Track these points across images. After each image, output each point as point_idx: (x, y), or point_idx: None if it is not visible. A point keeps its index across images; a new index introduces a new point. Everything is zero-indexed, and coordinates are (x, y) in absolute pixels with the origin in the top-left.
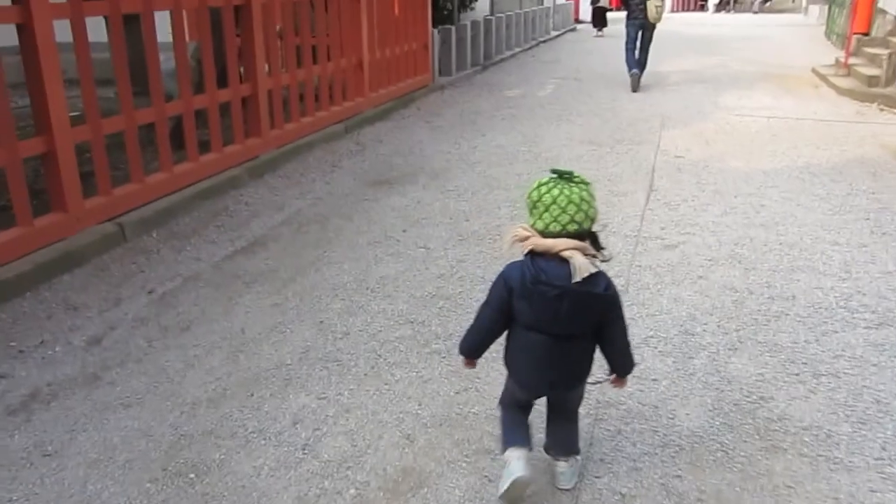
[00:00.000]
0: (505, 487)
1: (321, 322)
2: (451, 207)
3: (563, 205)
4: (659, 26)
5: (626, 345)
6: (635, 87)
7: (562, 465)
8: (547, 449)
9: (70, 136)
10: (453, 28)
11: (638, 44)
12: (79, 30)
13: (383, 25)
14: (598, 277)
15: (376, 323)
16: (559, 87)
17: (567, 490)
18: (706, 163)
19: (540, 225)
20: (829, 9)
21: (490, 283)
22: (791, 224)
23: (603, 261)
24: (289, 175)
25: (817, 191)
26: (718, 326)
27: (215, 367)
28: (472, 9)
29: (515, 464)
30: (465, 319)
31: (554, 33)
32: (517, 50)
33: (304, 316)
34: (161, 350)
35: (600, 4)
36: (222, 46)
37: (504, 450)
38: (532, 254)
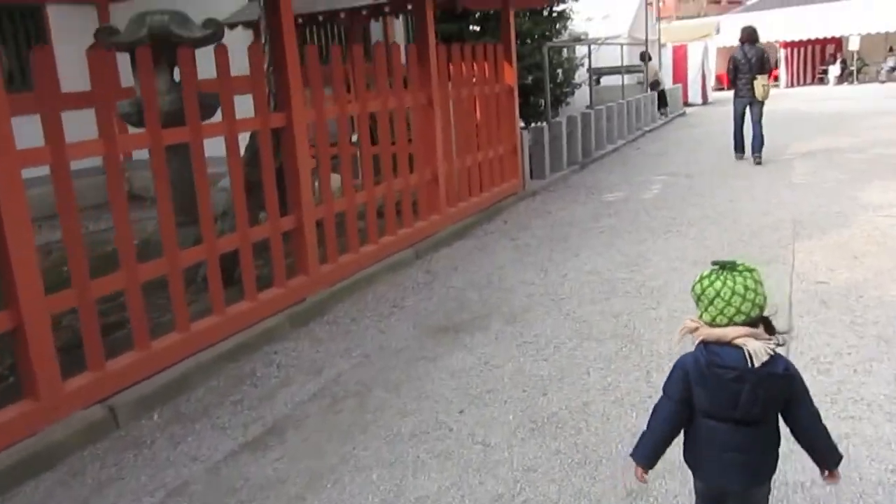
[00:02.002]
0: None
1: None
2: (527, 371)
3: (727, 297)
4: (776, 104)
5: (823, 429)
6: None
7: None
8: None
9: (43, 307)
10: (545, 126)
11: (748, 120)
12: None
13: (462, 131)
14: (776, 360)
15: None
16: (667, 186)
17: None
18: (859, 291)
19: (707, 318)
20: None
21: None
22: None
23: (778, 345)
24: (338, 321)
25: None
26: None
27: None
28: (568, 103)
29: None
30: None
31: (661, 120)
32: (620, 143)
33: None
34: None
35: (658, 83)
36: (257, 175)
37: None
38: (704, 342)
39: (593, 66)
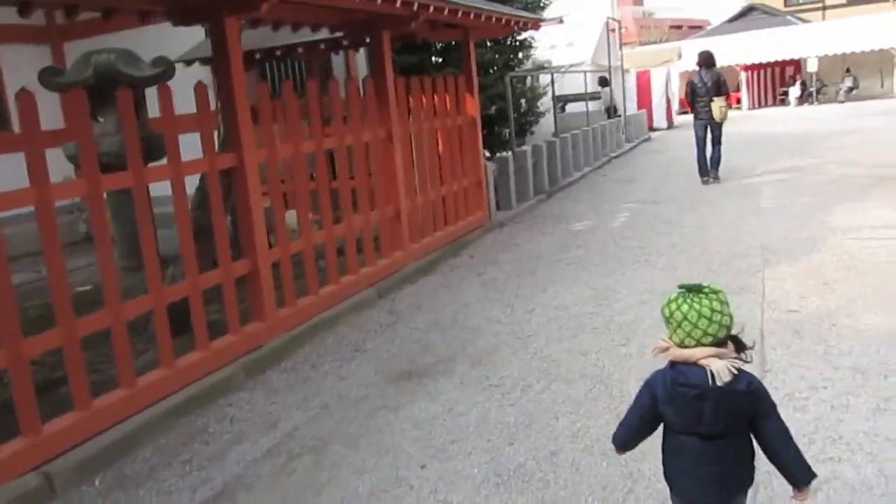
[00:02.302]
0: None
1: None
2: (492, 418)
3: (693, 320)
4: (740, 127)
5: (792, 446)
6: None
7: None
8: None
9: None
10: (510, 156)
11: (708, 143)
12: None
13: (424, 165)
14: (740, 377)
15: None
16: (634, 213)
17: None
18: (832, 319)
19: (676, 339)
20: None
21: None
22: None
23: (746, 362)
24: (297, 368)
25: None
26: None
27: None
28: (533, 132)
29: None
30: None
31: (627, 146)
32: (587, 170)
33: None
34: None
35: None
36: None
37: None
38: (672, 363)
39: (558, 93)
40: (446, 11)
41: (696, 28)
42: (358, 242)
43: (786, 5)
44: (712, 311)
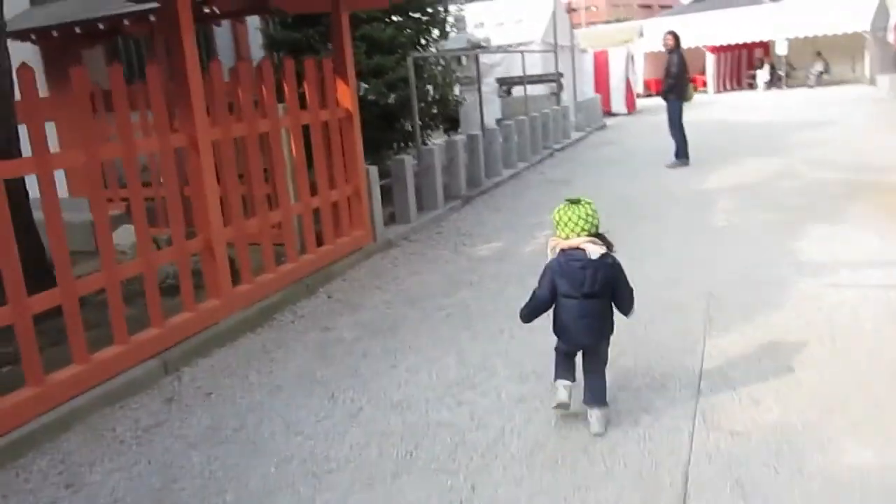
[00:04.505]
0: (554, 405)
1: None
2: None
3: (574, 220)
4: (703, 115)
5: (631, 300)
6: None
7: (595, 414)
8: (585, 402)
9: None
10: (405, 160)
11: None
12: None
13: (260, 179)
14: (606, 256)
15: None
16: None
17: (600, 434)
18: (797, 452)
19: (563, 234)
20: None
21: None
22: None
23: (611, 250)
24: None
25: None
26: None
27: None
28: (442, 128)
29: (562, 391)
30: None
31: (576, 136)
32: (522, 167)
33: None
34: None
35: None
36: None
37: (555, 379)
38: (562, 251)
39: (504, 75)
40: None
41: (665, 7)
42: (135, 296)
43: None
44: (587, 213)
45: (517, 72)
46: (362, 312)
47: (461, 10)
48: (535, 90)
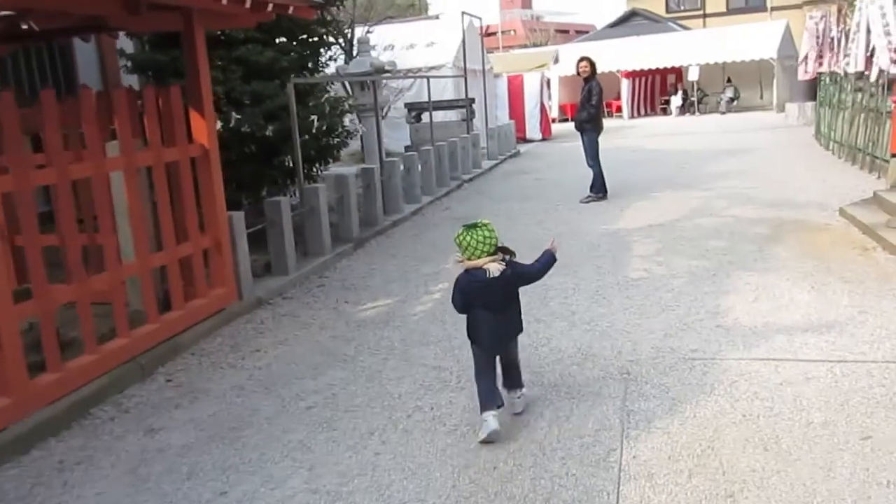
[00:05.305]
0: (483, 436)
1: None
2: None
3: (474, 244)
4: (618, 142)
5: (540, 274)
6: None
7: (517, 394)
8: (505, 387)
9: None
10: (281, 202)
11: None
12: None
13: (76, 236)
14: (506, 269)
15: None
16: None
17: (519, 414)
18: None
19: (466, 256)
20: (818, 109)
21: None
22: None
23: (512, 258)
24: None
25: None
26: None
27: None
28: (337, 159)
29: (491, 420)
30: None
31: (487, 164)
32: (426, 201)
33: None
34: None
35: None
36: None
37: (482, 410)
38: (466, 270)
39: (414, 100)
40: None
41: (582, 32)
42: None
43: (667, 11)
44: (485, 237)
45: (426, 98)
46: (204, 403)
47: (369, 32)
48: (445, 116)
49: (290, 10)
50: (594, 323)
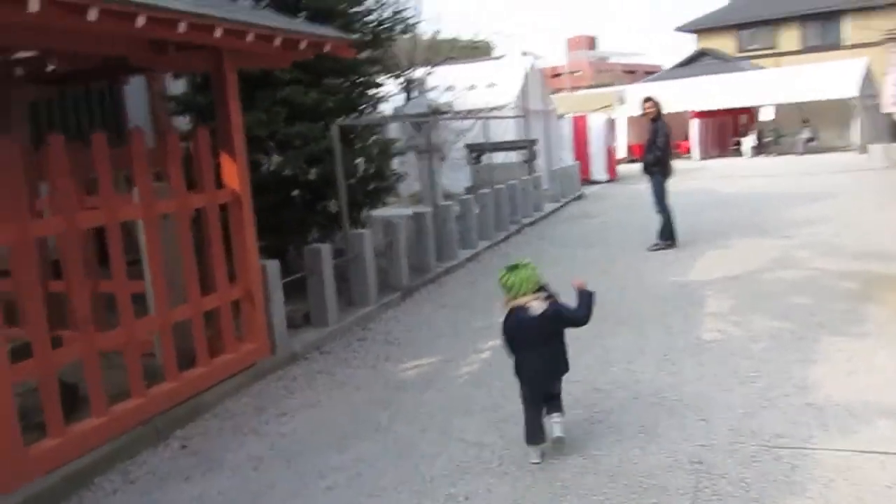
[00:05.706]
0: (533, 460)
1: None
2: None
3: (517, 284)
4: (689, 184)
5: (585, 319)
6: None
7: (555, 418)
8: (546, 411)
9: None
10: (321, 249)
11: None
12: None
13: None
14: (548, 308)
15: None
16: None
17: (560, 436)
18: None
19: (510, 296)
20: None
21: None
22: None
23: (550, 297)
24: None
25: None
26: None
27: None
28: (376, 207)
29: (533, 455)
30: None
31: (550, 207)
32: (483, 246)
33: None
34: None
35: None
36: None
37: (527, 443)
38: (511, 310)
39: (475, 141)
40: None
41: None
42: None
43: (739, 51)
44: (527, 276)
45: (491, 137)
46: (216, 476)
47: (429, 73)
48: (507, 157)
49: (327, 49)
50: (661, 395)
